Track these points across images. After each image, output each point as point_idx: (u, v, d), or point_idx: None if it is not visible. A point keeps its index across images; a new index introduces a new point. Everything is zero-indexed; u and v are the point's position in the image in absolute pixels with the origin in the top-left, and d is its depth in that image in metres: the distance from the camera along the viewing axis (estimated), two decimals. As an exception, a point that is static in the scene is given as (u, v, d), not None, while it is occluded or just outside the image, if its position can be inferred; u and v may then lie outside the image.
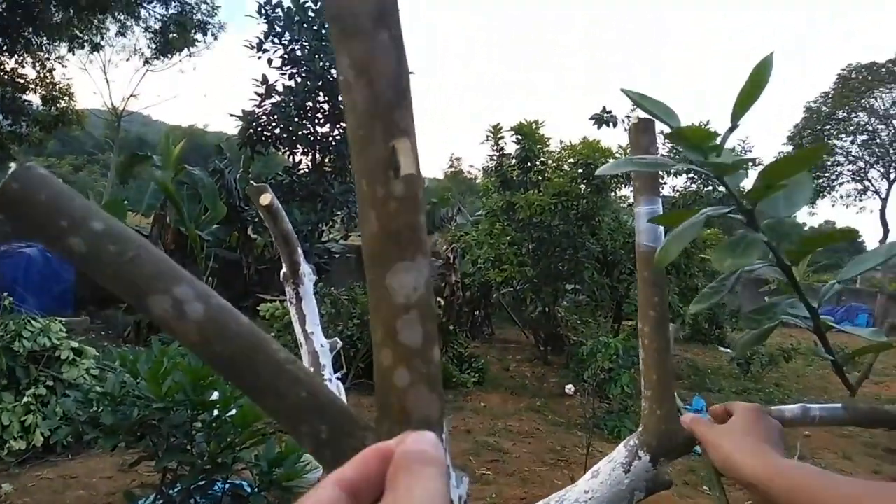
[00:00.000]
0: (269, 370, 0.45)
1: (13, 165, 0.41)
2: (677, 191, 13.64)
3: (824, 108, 31.72)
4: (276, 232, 1.14)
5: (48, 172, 0.41)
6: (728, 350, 12.73)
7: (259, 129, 11.78)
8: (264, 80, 11.72)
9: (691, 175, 11.73)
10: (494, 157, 9.66)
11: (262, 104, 11.77)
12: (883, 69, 29.95)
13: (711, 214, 0.78)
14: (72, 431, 5.01)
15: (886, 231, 28.35)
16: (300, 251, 1.16)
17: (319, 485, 0.31)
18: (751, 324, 0.85)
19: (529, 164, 9.31)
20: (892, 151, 30.28)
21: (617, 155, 8.99)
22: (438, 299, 8.56)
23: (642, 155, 1.09)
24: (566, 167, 9.19)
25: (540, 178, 9.17)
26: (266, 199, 1.09)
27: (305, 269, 1.16)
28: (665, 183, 10.90)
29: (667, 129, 0.81)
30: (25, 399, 5.11)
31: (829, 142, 30.37)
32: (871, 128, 30.81)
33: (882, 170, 30.84)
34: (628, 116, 10.70)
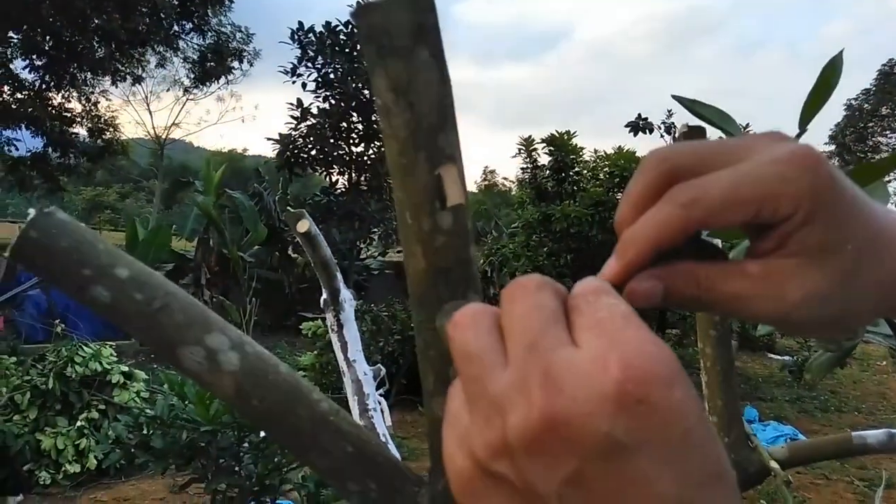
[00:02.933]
0: (311, 424, 0.41)
1: (46, 209, 0.39)
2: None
3: (866, 106, 30.76)
4: (314, 258, 1.11)
5: (70, 218, 0.38)
6: (779, 357, 12.28)
7: (296, 151, 11.98)
8: (299, 103, 11.94)
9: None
10: (528, 170, 9.59)
11: (298, 127, 11.99)
12: (928, 61, 28.87)
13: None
14: (124, 455, 5.13)
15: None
16: (340, 277, 1.13)
17: None
18: (830, 343, 0.78)
19: (564, 174, 9.21)
20: (943, 145, 29.17)
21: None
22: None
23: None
24: (602, 176, 9.06)
25: (575, 188, 9.06)
26: (304, 226, 1.06)
27: (345, 294, 1.13)
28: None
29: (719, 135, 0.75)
30: (79, 423, 5.23)
31: (874, 139, 29.47)
32: (917, 122, 29.76)
33: (935, 164, 29.74)
34: (664, 123, 10.49)
